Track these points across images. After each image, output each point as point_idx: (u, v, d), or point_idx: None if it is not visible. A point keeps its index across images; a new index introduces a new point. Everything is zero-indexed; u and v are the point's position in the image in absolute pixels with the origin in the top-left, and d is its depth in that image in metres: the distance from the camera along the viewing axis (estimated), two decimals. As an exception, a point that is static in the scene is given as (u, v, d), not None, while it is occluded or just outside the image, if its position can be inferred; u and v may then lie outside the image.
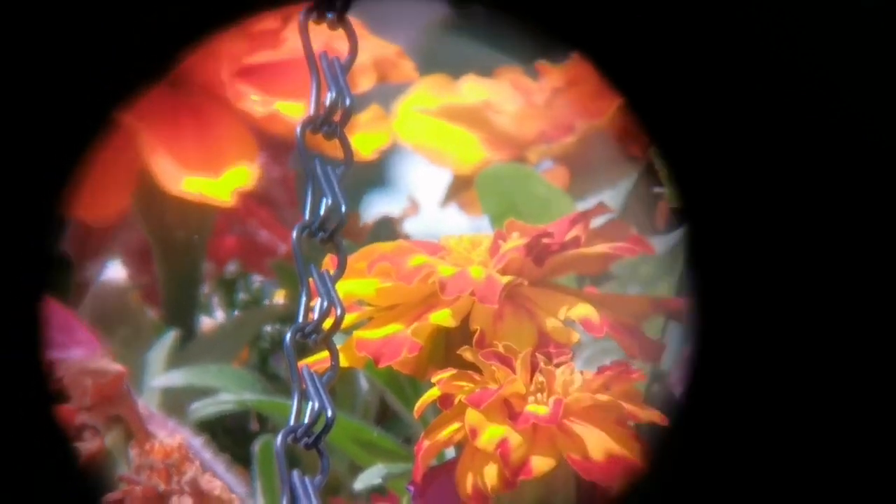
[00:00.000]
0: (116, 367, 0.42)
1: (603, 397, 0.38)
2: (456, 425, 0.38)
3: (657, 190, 0.49)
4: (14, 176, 0.34)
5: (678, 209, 0.35)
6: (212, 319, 0.52)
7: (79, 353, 0.43)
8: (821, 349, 0.34)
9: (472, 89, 0.54)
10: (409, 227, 0.54)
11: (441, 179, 0.54)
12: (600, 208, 0.42)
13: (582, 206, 0.46)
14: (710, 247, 0.35)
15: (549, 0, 0.34)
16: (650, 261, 0.45)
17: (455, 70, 0.53)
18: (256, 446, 0.45)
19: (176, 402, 0.47)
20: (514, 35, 0.35)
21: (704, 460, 0.34)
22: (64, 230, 0.35)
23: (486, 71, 0.54)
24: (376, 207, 0.55)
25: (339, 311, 0.37)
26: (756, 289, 0.34)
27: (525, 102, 0.53)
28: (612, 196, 0.48)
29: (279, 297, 0.52)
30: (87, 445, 0.41)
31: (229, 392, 0.46)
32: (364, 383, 0.48)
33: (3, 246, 0.34)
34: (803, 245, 0.34)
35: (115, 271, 0.52)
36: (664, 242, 0.46)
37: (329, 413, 0.36)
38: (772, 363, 0.34)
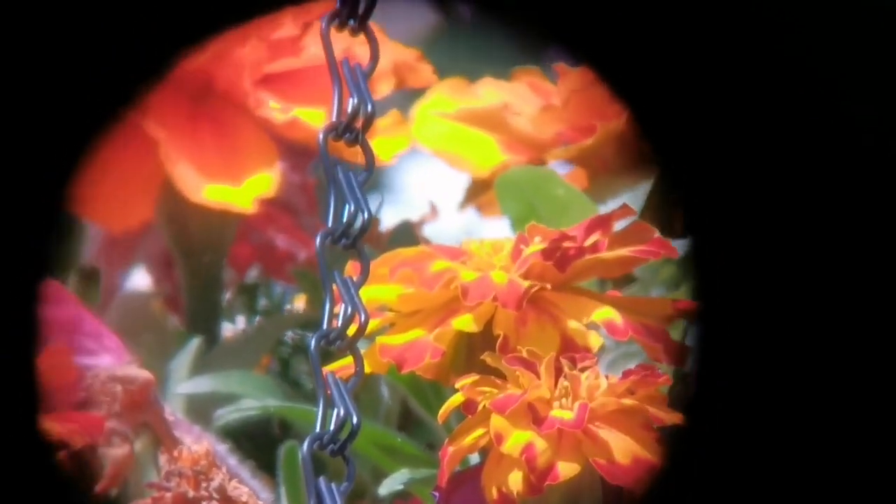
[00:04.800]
0: (145, 373, 0.42)
1: (628, 401, 0.38)
2: (480, 431, 0.38)
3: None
4: (15, 172, 0.34)
5: (683, 222, 0.35)
6: (233, 326, 0.53)
7: (108, 361, 0.43)
8: (824, 354, 0.34)
9: (489, 92, 0.54)
10: (429, 231, 0.54)
11: (459, 183, 0.54)
12: (624, 211, 0.42)
13: (601, 208, 0.46)
14: (715, 259, 0.35)
15: (548, 9, 0.34)
16: (672, 263, 0.45)
17: (453, 71, 0.53)
18: (281, 452, 0.45)
19: (200, 408, 0.47)
20: (506, 40, 0.35)
21: (710, 461, 0.34)
22: (66, 229, 0.35)
23: (503, 73, 0.54)
24: (395, 212, 0.56)
25: (363, 318, 0.38)
26: (759, 297, 0.34)
27: (543, 104, 0.53)
28: (631, 198, 0.48)
29: (300, 303, 0.53)
30: (116, 451, 0.41)
31: (252, 398, 0.46)
32: (385, 389, 0.48)
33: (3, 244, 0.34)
34: (806, 255, 0.34)
35: (140, 279, 0.52)
36: (685, 245, 0.46)
37: (355, 420, 0.36)
38: (775, 367, 0.34)
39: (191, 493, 0.38)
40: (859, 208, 0.34)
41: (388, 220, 0.54)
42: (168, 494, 0.38)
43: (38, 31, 0.34)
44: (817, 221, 0.34)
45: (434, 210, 0.55)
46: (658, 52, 0.34)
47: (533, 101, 0.54)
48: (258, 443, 0.48)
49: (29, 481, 0.34)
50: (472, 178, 0.54)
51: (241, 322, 0.53)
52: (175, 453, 0.39)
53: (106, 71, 0.34)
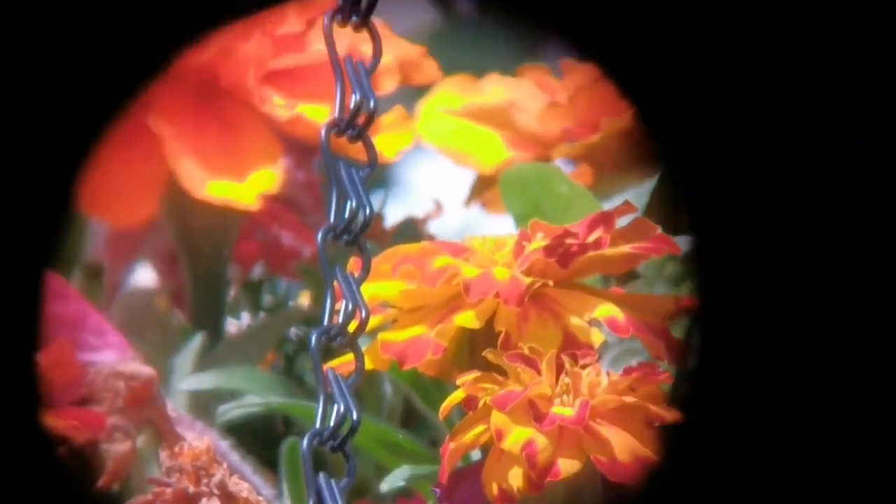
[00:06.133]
0: (147, 370, 0.43)
1: (629, 399, 0.38)
2: (481, 427, 0.38)
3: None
4: (20, 167, 0.34)
5: (686, 220, 0.35)
6: (238, 322, 0.53)
7: (110, 356, 0.43)
8: (825, 351, 0.34)
9: (495, 88, 0.54)
10: (434, 227, 0.54)
11: (465, 179, 0.54)
12: (626, 207, 0.42)
13: (606, 205, 0.46)
14: (718, 257, 0.35)
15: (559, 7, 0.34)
16: (676, 260, 0.45)
17: (457, 68, 0.53)
18: (283, 448, 0.45)
19: (203, 404, 0.47)
20: (508, 36, 0.35)
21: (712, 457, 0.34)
22: (70, 224, 0.35)
23: (508, 70, 0.54)
24: (400, 209, 0.56)
25: (363, 314, 0.38)
26: (760, 295, 0.34)
27: (549, 101, 0.53)
28: (636, 195, 0.48)
29: (304, 300, 0.53)
30: (118, 447, 0.41)
31: (256, 395, 0.46)
32: (389, 386, 0.48)
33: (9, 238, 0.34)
34: (807, 254, 0.34)
35: (144, 275, 0.52)
36: (689, 241, 0.45)
37: (354, 416, 0.36)
38: (775, 366, 0.34)
39: (191, 489, 0.38)
40: (861, 210, 0.34)
41: (393, 216, 0.54)
42: (168, 490, 0.38)
43: (40, 26, 0.34)
44: (818, 221, 0.34)
45: (438, 207, 0.55)
46: (663, 48, 0.34)
47: (538, 97, 0.54)
48: (261, 439, 0.48)
49: (31, 477, 0.34)
50: (477, 174, 0.54)
51: (245, 319, 0.53)
52: (176, 449, 0.39)
53: (109, 64, 0.34)
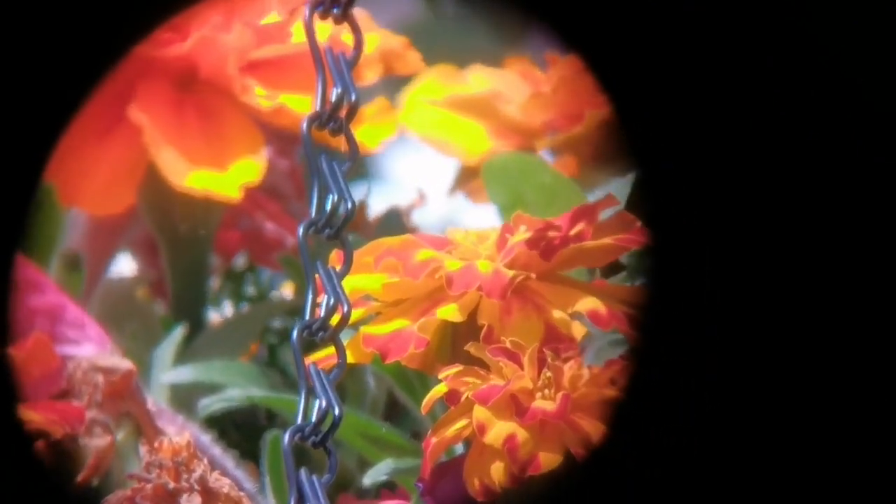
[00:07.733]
0: (127, 363, 0.42)
1: (610, 392, 0.38)
2: (463, 422, 0.38)
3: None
4: None
5: (645, 213, 0.35)
6: (220, 313, 0.52)
7: (89, 350, 0.43)
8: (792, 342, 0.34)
9: (479, 79, 0.54)
10: (417, 218, 0.54)
11: (448, 169, 0.54)
12: (608, 200, 0.42)
13: (589, 195, 0.46)
14: (672, 253, 0.35)
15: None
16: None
17: (443, 58, 0.53)
18: (266, 441, 0.45)
19: (184, 397, 0.47)
20: (490, 28, 0.35)
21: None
22: (38, 212, 0.34)
23: (493, 61, 0.54)
24: (384, 199, 0.55)
25: (345, 308, 0.37)
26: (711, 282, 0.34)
27: (533, 92, 0.53)
28: (619, 185, 0.48)
29: (287, 290, 0.52)
30: (98, 442, 0.41)
31: (237, 388, 0.46)
32: (371, 378, 0.48)
33: None
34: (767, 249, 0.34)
35: (124, 266, 0.52)
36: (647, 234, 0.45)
37: (336, 411, 0.36)
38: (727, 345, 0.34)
39: (171, 485, 0.38)
40: (837, 204, 0.34)
41: (377, 206, 0.54)
42: (149, 486, 0.38)
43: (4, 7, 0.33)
44: (800, 219, 0.34)
45: (422, 196, 0.54)
46: (646, 42, 0.34)
47: (522, 88, 0.53)
48: (244, 431, 0.48)
49: (7, 471, 0.34)
50: (461, 164, 0.54)
51: (227, 309, 0.53)
52: (156, 444, 0.39)
53: (74, 46, 0.34)
